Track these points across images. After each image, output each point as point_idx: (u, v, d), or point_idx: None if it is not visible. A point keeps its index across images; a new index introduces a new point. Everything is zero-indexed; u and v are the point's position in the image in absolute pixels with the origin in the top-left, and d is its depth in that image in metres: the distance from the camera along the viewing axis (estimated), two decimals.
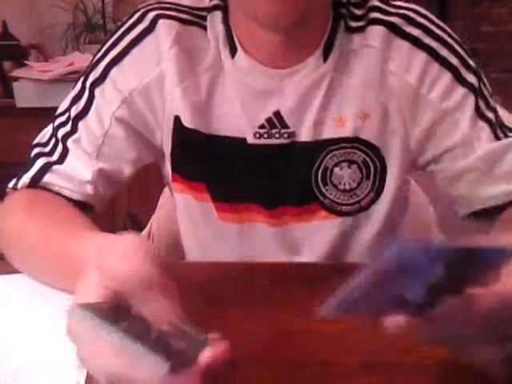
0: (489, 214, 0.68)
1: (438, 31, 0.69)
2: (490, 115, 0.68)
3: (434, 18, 0.70)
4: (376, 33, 0.67)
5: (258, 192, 0.72)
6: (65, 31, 2.63)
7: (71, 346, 0.39)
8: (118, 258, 0.42)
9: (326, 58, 0.67)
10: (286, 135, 0.69)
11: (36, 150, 0.72)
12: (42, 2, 2.52)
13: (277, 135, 0.69)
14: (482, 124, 0.68)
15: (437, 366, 0.49)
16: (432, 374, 0.48)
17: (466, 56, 0.69)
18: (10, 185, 0.71)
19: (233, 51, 0.68)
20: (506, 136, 0.68)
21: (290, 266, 0.71)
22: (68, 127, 0.71)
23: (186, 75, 0.68)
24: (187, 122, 0.69)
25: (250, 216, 0.73)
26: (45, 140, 0.72)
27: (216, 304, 0.55)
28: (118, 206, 1.97)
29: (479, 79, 0.69)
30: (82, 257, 0.50)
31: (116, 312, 0.38)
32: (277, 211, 0.72)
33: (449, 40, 0.69)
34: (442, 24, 0.70)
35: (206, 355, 0.37)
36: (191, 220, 0.77)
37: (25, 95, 1.85)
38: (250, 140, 0.69)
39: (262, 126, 0.69)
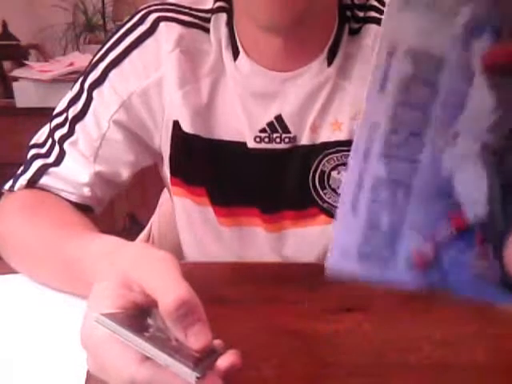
0: None
1: None
2: None
3: None
4: (371, 31, 0.67)
5: (257, 196, 0.72)
6: (65, 31, 2.63)
7: (71, 346, 0.39)
8: (150, 271, 0.41)
9: (330, 62, 0.66)
10: (286, 140, 0.68)
11: (32, 152, 0.71)
12: (42, 1, 2.52)
13: (278, 140, 0.68)
14: None
15: (437, 366, 0.49)
16: (432, 374, 0.48)
17: None
18: (6, 186, 0.71)
19: (235, 54, 0.67)
20: None
21: (289, 266, 0.71)
22: (65, 129, 0.70)
23: (187, 79, 0.68)
24: (187, 127, 0.69)
25: (248, 220, 0.73)
26: (41, 141, 0.72)
27: (216, 304, 0.55)
28: (118, 206, 1.97)
29: None
30: (85, 259, 0.50)
31: (133, 321, 0.38)
32: (276, 215, 0.72)
33: None
34: None
35: (226, 363, 0.38)
36: (190, 223, 0.77)
37: (25, 95, 1.85)
38: (251, 144, 0.69)
39: (263, 130, 0.68)
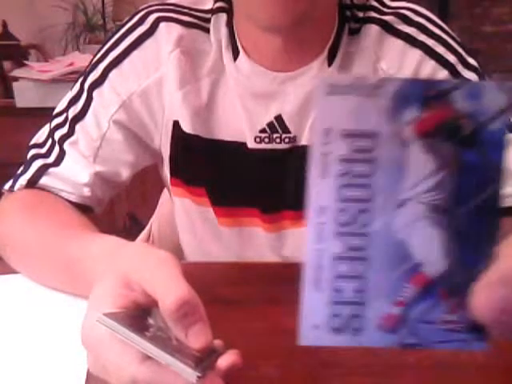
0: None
1: (434, 29, 0.68)
2: None
3: (432, 16, 0.69)
4: (370, 32, 0.67)
5: (257, 196, 0.72)
6: (65, 31, 2.63)
7: (71, 346, 0.39)
8: (151, 271, 0.40)
9: (330, 62, 0.66)
10: (286, 140, 0.68)
11: (32, 152, 0.71)
12: (42, 1, 2.52)
13: (278, 140, 0.68)
14: None
15: (437, 366, 0.49)
16: (432, 374, 0.48)
17: (464, 54, 0.68)
18: (6, 187, 0.71)
19: (235, 54, 0.67)
20: None
21: (289, 265, 0.71)
22: (65, 129, 0.70)
23: (187, 79, 0.68)
24: (187, 127, 0.69)
25: (248, 220, 0.73)
26: (41, 141, 0.72)
27: (216, 304, 0.55)
28: (118, 206, 1.97)
29: (481, 78, 0.68)
30: (85, 259, 0.50)
31: (134, 321, 0.39)
32: (276, 215, 0.72)
33: (446, 38, 0.68)
34: (440, 22, 0.69)
35: (226, 363, 0.38)
36: (190, 223, 0.77)
37: (25, 95, 1.86)
38: (251, 144, 0.69)
39: (262, 131, 0.68)
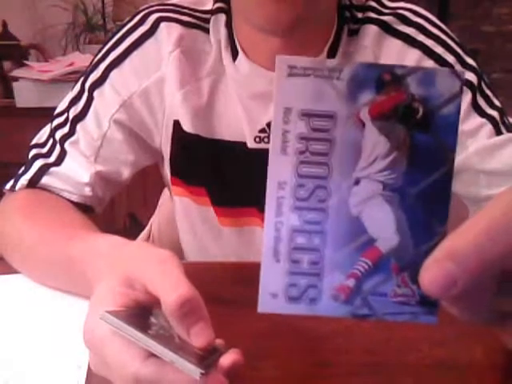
0: None
1: (433, 29, 0.68)
2: (493, 113, 0.67)
3: (432, 17, 0.70)
4: (368, 32, 0.67)
5: (257, 196, 0.72)
6: (65, 31, 2.63)
7: (71, 346, 0.39)
8: (152, 269, 0.41)
9: None
10: None
11: (34, 152, 0.71)
12: (42, 1, 2.52)
13: None
14: (481, 121, 0.66)
15: (437, 366, 0.49)
16: (432, 374, 0.48)
17: (463, 54, 0.68)
18: (8, 186, 0.71)
19: (234, 55, 0.68)
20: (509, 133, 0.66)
21: None
22: (66, 129, 0.70)
23: (188, 79, 0.68)
24: (187, 126, 0.69)
25: (248, 220, 0.73)
26: (42, 141, 0.72)
27: (216, 304, 0.55)
28: (118, 206, 1.97)
29: (480, 78, 0.68)
30: (87, 259, 0.50)
31: (136, 319, 0.39)
32: None
33: (445, 38, 0.68)
34: (439, 23, 0.70)
35: (228, 361, 0.38)
36: (190, 222, 0.77)
37: (25, 95, 1.86)
38: (251, 144, 0.69)
39: (262, 130, 0.69)
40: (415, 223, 0.34)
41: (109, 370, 0.39)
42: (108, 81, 0.69)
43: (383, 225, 0.34)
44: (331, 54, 0.66)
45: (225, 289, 0.60)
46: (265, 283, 0.36)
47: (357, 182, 0.34)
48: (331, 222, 0.34)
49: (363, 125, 0.34)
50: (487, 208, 0.28)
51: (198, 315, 0.39)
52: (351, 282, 0.34)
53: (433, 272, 0.28)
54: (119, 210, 1.99)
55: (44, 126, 0.74)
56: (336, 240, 0.34)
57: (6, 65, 2.07)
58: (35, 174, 0.69)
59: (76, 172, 0.69)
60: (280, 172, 0.34)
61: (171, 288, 0.38)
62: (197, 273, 0.64)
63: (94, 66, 0.71)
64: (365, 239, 0.34)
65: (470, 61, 0.68)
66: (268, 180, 0.34)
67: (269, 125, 0.68)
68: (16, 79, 1.88)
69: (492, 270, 0.28)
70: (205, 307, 0.40)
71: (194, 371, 0.35)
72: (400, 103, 0.33)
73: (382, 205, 0.34)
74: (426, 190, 0.34)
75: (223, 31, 0.68)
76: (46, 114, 0.76)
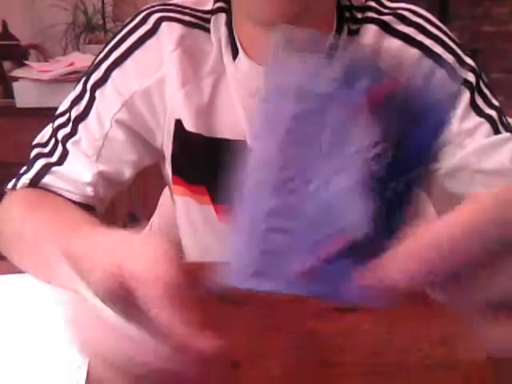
0: None
1: (432, 29, 0.68)
2: (492, 112, 0.67)
3: (431, 17, 0.70)
4: (368, 32, 0.67)
5: None
6: (65, 31, 2.63)
7: (71, 346, 0.39)
8: (144, 259, 0.40)
9: None
10: None
11: (36, 151, 0.72)
12: (42, 1, 2.52)
13: None
14: (479, 120, 0.66)
15: (437, 366, 0.49)
16: (432, 374, 0.48)
17: (462, 54, 0.68)
18: (9, 185, 0.71)
19: (234, 54, 0.68)
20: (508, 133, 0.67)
21: None
22: (68, 129, 0.70)
23: (189, 79, 0.68)
24: (189, 125, 0.69)
25: None
26: (44, 140, 0.72)
27: (216, 304, 0.55)
28: (118, 206, 1.97)
29: (478, 78, 0.68)
30: (89, 253, 0.50)
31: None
32: None
33: (444, 38, 0.68)
34: (438, 23, 0.70)
35: (202, 343, 0.37)
36: (191, 222, 0.77)
37: (25, 95, 1.86)
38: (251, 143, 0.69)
39: None
40: (388, 216, 0.34)
41: (87, 348, 0.38)
42: (110, 81, 0.69)
43: (356, 214, 0.34)
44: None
45: (225, 288, 0.60)
46: (234, 259, 0.36)
47: (339, 170, 0.34)
48: (307, 207, 0.34)
49: (356, 111, 0.33)
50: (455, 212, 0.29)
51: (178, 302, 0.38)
52: (317, 265, 0.34)
53: (396, 263, 0.29)
54: (119, 209, 1.99)
55: (44, 126, 0.74)
56: (309, 224, 0.34)
57: (6, 65, 2.07)
58: (37, 173, 0.69)
59: (78, 172, 0.69)
60: (264, 151, 0.33)
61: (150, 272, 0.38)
62: (197, 273, 0.64)
63: (95, 66, 0.71)
64: (339, 225, 0.34)
65: (468, 61, 0.68)
66: (251, 159, 0.34)
67: None
68: (16, 79, 1.88)
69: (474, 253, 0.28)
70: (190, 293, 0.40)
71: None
72: (396, 94, 0.33)
73: (359, 194, 0.34)
74: (404, 184, 0.34)
75: (223, 30, 0.68)
76: (46, 114, 0.76)
